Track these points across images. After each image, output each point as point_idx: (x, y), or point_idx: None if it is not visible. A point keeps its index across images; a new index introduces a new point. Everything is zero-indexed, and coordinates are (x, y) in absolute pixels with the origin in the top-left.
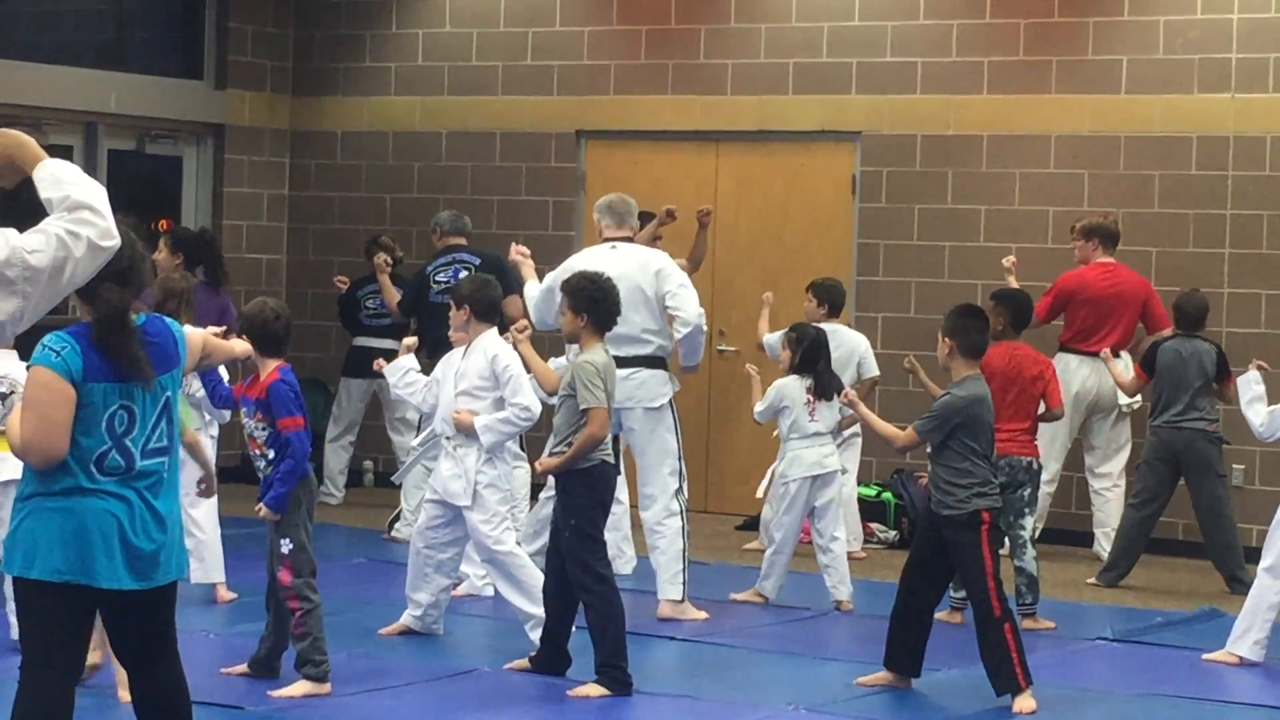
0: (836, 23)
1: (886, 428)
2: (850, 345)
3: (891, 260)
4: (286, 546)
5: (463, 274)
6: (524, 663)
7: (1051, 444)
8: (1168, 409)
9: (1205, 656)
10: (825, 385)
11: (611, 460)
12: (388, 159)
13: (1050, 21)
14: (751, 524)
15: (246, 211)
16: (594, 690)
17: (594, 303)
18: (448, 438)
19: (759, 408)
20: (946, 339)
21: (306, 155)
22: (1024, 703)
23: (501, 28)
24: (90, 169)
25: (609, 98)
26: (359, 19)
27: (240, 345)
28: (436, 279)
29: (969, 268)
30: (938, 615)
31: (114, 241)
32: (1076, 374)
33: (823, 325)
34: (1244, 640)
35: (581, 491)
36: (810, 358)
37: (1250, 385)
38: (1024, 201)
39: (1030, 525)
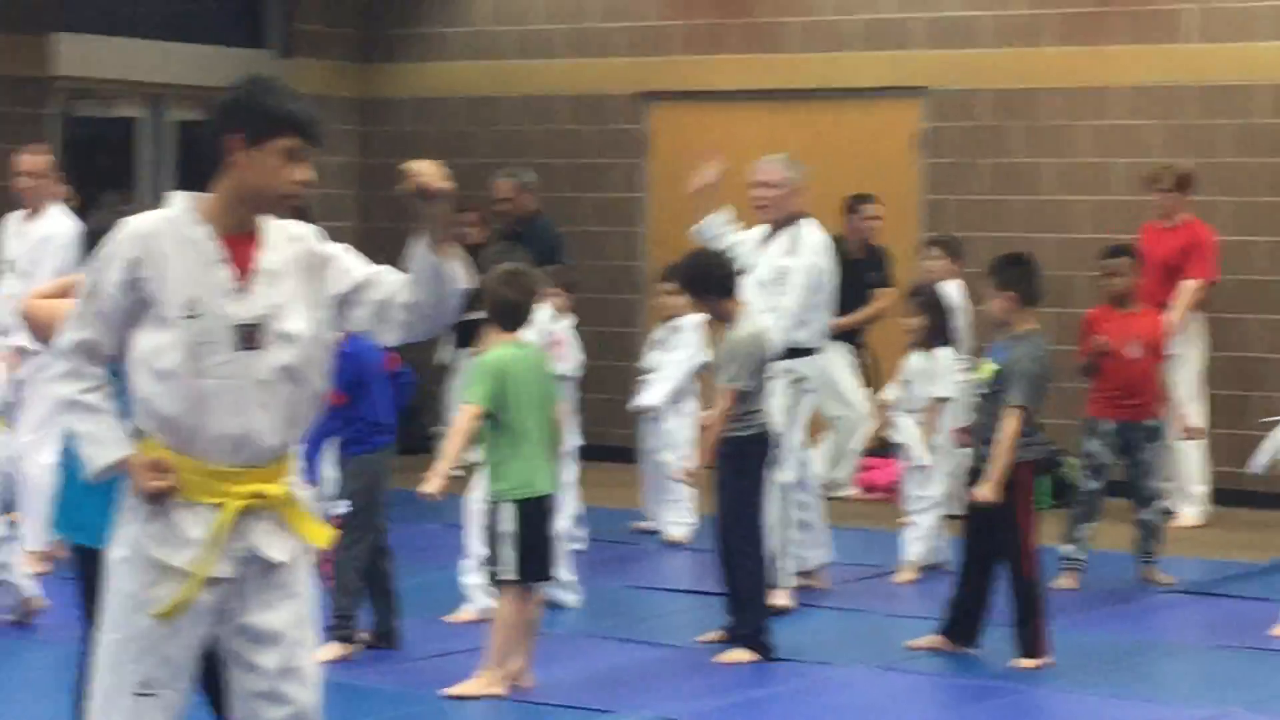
0: None
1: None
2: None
3: (960, 216)
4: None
5: None
6: (719, 633)
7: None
8: None
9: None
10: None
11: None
12: (457, 125)
13: None
14: None
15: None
16: (744, 655)
17: None
18: None
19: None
20: (1006, 291)
21: (375, 123)
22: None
23: None
24: (158, 140)
25: (674, 58)
26: None
27: None
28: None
29: (1037, 221)
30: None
31: None
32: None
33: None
34: None
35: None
36: (943, 321)
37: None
38: (1092, 154)
39: (1154, 483)
